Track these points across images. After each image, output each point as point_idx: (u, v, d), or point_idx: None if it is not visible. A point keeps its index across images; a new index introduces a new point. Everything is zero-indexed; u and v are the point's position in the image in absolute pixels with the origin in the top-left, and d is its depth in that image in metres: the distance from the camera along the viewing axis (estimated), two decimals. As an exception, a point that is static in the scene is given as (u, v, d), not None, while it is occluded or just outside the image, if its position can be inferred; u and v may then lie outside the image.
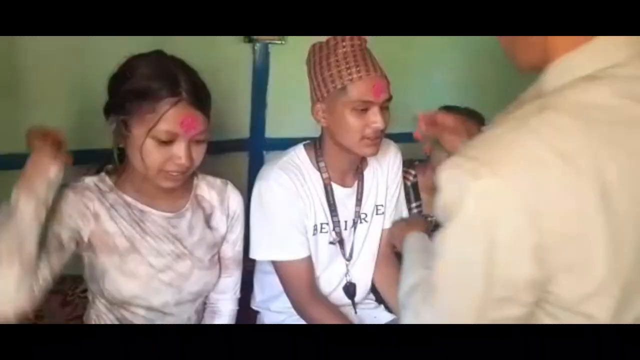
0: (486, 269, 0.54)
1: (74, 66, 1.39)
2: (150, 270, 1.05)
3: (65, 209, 0.98)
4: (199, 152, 1.00)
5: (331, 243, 1.32)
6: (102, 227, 1.02)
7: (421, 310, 0.63)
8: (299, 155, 1.30)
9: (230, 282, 1.23)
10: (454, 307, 0.59)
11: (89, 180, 1.05)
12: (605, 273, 0.53)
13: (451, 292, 0.58)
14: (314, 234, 1.29)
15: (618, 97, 0.55)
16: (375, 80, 1.17)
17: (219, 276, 1.19)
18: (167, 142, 0.95)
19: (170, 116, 0.93)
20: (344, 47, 1.18)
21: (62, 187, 0.98)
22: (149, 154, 0.95)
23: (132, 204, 1.05)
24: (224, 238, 1.19)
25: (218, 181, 1.18)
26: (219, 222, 1.17)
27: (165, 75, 0.95)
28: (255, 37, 1.54)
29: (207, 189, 1.16)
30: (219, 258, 1.20)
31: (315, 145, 1.31)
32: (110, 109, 1.00)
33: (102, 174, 1.06)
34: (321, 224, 1.30)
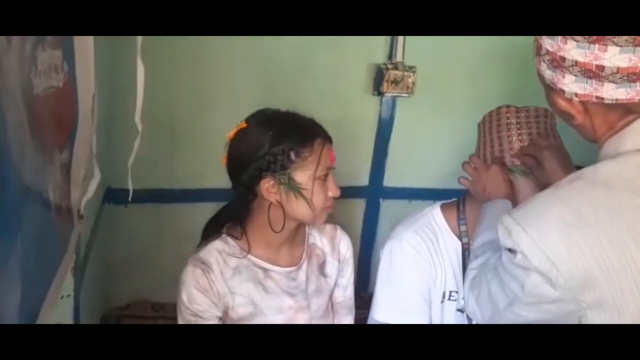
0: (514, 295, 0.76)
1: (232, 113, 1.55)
2: None
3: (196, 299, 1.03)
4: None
5: (459, 310, 1.26)
6: (228, 305, 1.05)
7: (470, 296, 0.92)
8: (436, 217, 1.21)
9: None
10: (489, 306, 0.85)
11: (211, 249, 1.05)
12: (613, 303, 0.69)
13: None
14: (442, 302, 1.22)
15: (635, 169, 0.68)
16: None
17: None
18: (325, 179, 1.03)
19: (325, 153, 1.02)
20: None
21: (188, 267, 1.03)
22: (317, 194, 1.02)
23: (257, 263, 1.07)
24: (335, 283, 1.19)
25: (327, 227, 1.18)
26: (332, 268, 1.18)
27: (306, 121, 1.04)
28: (383, 90, 1.61)
29: (319, 236, 1.17)
30: (330, 304, 1.19)
31: (458, 207, 1.21)
32: (256, 176, 1.00)
33: (224, 235, 1.08)
34: (450, 291, 1.21)
